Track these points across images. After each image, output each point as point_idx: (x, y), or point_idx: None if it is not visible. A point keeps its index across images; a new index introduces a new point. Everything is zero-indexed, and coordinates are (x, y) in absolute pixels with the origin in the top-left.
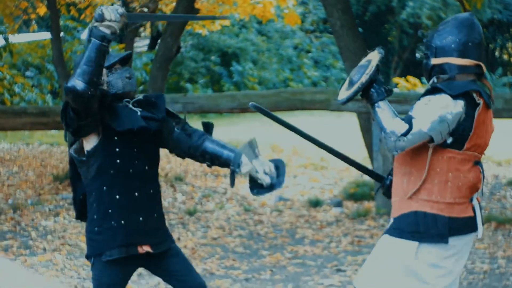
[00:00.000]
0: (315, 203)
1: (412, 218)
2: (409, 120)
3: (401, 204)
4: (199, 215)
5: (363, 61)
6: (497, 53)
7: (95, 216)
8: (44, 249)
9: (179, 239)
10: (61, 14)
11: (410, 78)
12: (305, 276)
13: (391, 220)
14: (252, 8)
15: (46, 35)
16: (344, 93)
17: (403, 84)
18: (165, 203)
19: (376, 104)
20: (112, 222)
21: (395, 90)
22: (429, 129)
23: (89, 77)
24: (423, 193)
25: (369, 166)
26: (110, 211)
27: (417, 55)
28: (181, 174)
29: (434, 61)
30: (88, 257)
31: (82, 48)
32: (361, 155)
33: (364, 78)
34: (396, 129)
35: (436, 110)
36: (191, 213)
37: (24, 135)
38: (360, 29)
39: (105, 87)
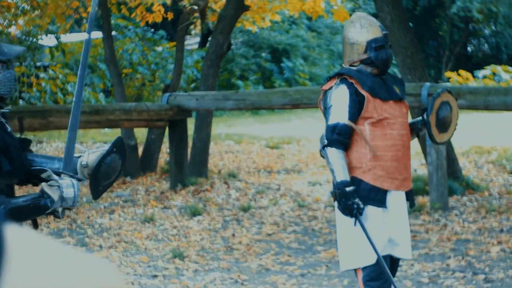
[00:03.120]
0: None
1: None
2: None
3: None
4: (253, 211)
5: (439, 101)
6: None
7: None
8: (100, 246)
9: (233, 235)
10: (112, 13)
11: (462, 72)
12: None
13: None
14: (301, 4)
15: (98, 34)
16: (442, 135)
17: (455, 78)
18: (219, 199)
19: None
20: None
21: (447, 84)
22: None
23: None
24: None
25: (423, 161)
26: None
27: (469, 49)
28: (234, 171)
29: None
30: None
31: (133, 47)
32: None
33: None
34: None
35: None
36: (245, 209)
37: (78, 133)
38: (410, 24)
39: None
